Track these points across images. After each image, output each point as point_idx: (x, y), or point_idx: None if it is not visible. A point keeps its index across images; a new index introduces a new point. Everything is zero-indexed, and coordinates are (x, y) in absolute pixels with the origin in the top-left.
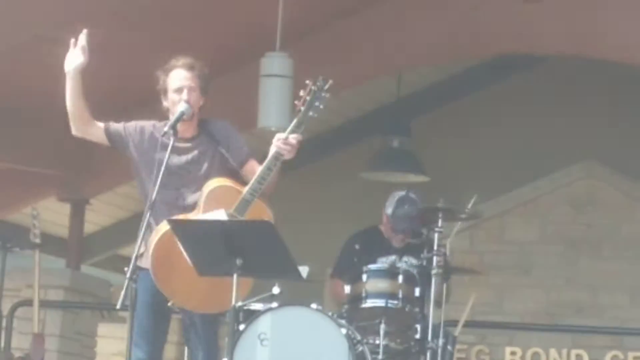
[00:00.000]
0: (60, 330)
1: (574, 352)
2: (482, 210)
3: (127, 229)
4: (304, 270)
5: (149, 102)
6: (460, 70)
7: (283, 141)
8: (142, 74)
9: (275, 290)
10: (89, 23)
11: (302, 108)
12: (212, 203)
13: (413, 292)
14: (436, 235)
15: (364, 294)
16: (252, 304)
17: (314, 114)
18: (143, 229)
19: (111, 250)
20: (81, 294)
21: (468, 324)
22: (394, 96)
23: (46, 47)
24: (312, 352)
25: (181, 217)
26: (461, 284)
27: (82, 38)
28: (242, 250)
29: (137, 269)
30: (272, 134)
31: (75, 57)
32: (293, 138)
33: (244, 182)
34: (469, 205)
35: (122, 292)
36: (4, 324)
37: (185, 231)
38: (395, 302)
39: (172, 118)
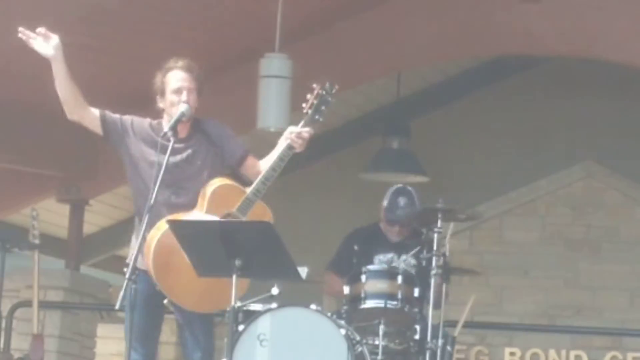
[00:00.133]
0: (60, 330)
1: (573, 352)
2: (482, 211)
3: (126, 230)
4: (303, 271)
5: (148, 103)
6: (459, 70)
7: (296, 134)
8: (141, 75)
9: (275, 291)
10: (89, 23)
11: (310, 111)
12: (216, 202)
13: (412, 292)
14: (435, 235)
15: (363, 295)
16: (252, 304)
17: (319, 118)
18: (143, 229)
19: (110, 251)
20: (80, 295)
21: (467, 325)
22: (394, 97)
23: None
24: (312, 352)
25: (181, 217)
26: (460, 284)
27: (28, 33)
28: (241, 251)
29: (136, 269)
30: (272, 135)
31: (47, 42)
32: (306, 132)
33: (240, 181)
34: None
35: (121, 293)
36: (3, 324)
37: (185, 231)
38: (395, 302)
39: (172, 119)
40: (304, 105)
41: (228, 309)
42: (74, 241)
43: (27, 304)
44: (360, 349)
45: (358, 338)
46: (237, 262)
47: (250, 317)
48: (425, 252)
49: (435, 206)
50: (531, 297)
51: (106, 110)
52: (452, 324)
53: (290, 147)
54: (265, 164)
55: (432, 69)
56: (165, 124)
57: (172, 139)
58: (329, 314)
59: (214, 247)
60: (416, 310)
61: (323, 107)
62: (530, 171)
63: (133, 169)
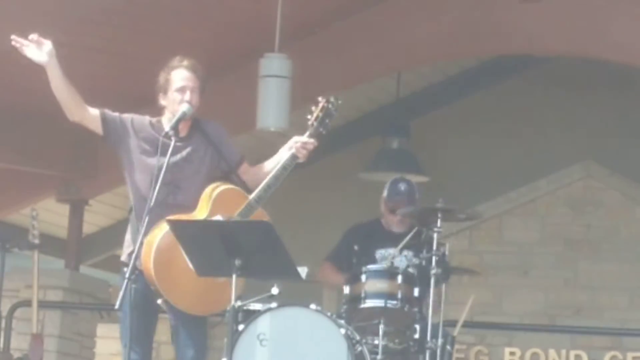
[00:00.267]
0: (59, 330)
1: (573, 352)
2: (481, 210)
3: (126, 230)
4: (303, 271)
5: (146, 103)
6: (459, 70)
7: (302, 144)
8: (141, 74)
9: (274, 290)
10: (89, 23)
11: (315, 123)
12: (219, 205)
13: (412, 292)
14: (435, 235)
15: (363, 294)
16: (251, 304)
17: (323, 131)
18: (143, 229)
19: (110, 251)
20: (80, 295)
21: (467, 325)
22: (393, 96)
23: None
24: (311, 352)
25: (183, 217)
26: (460, 284)
27: (21, 40)
28: (241, 251)
29: (135, 268)
30: (271, 135)
31: (42, 48)
32: (311, 143)
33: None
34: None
35: (121, 293)
36: (3, 324)
37: (185, 231)
38: (394, 302)
39: (174, 118)
40: (308, 117)
41: (228, 308)
42: (73, 241)
43: (27, 303)
44: (360, 348)
45: (358, 337)
46: (237, 262)
47: (250, 316)
48: (425, 251)
49: (435, 206)
50: (531, 296)
51: (105, 109)
52: (452, 323)
53: (294, 157)
54: (262, 169)
55: (432, 69)
56: (166, 122)
57: (173, 138)
58: (328, 314)
59: (214, 247)
60: (416, 309)
61: (327, 120)
62: (530, 171)
63: (132, 166)
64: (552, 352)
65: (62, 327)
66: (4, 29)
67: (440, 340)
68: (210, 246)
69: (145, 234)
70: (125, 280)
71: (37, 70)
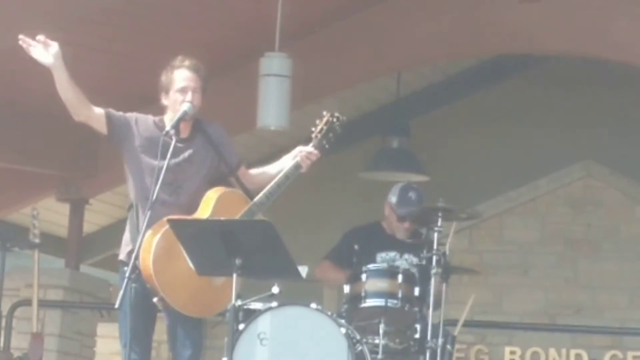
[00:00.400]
0: (60, 330)
1: (573, 352)
2: (482, 210)
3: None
4: (303, 270)
5: (147, 103)
6: (459, 70)
7: (307, 153)
8: (141, 74)
9: (275, 289)
10: (89, 22)
11: (319, 136)
12: (220, 208)
13: (412, 291)
14: (436, 234)
15: (363, 294)
16: (252, 303)
17: (326, 144)
18: (144, 228)
19: (110, 250)
20: (80, 294)
21: (467, 324)
22: (394, 96)
23: None
24: (312, 351)
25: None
26: (460, 283)
27: (28, 41)
28: (242, 250)
29: (135, 268)
30: (271, 134)
31: (48, 50)
32: (315, 155)
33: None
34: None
35: (121, 292)
36: (3, 323)
37: (185, 230)
38: (395, 301)
39: (175, 118)
40: (312, 129)
41: (228, 307)
42: (74, 240)
43: (27, 302)
44: (360, 347)
45: (358, 337)
46: (238, 261)
47: (250, 316)
48: (425, 251)
49: (435, 205)
50: (531, 296)
51: (109, 108)
52: (452, 323)
53: (297, 166)
54: (261, 174)
55: (432, 69)
56: (168, 122)
57: (174, 138)
58: (329, 313)
59: (215, 246)
60: (416, 309)
61: (331, 135)
62: (530, 170)
63: (135, 165)
64: (552, 352)
65: (63, 326)
66: (4, 29)
67: (440, 340)
68: (211, 245)
69: (145, 232)
70: (126, 280)
71: (38, 69)
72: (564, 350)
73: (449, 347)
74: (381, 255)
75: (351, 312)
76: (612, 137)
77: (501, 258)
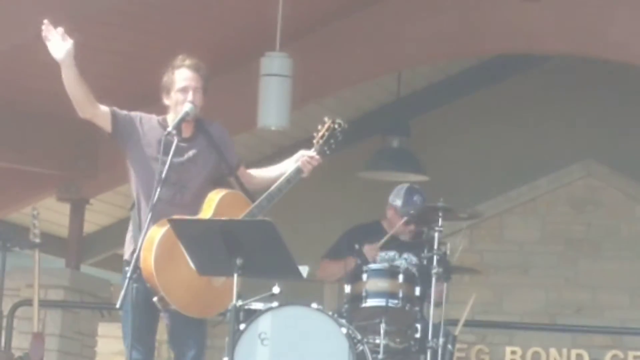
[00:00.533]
0: (60, 329)
1: (574, 351)
2: (482, 209)
3: (126, 228)
4: (304, 270)
5: (148, 103)
6: (459, 69)
7: (309, 157)
8: (142, 74)
9: (275, 289)
10: (91, 22)
11: (320, 141)
12: (222, 209)
13: (413, 291)
14: (436, 234)
15: (364, 294)
16: (253, 303)
17: (327, 150)
18: (145, 227)
19: (111, 250)
20: (81, 294)
21: (468, 324)
22: (394, 96)
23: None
24: (313, 351)
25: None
26: (461, 283)
27: (50, 29)
28: (243, 250)
29: (137, 267)
30: (272, 134)
31: (63, 44)
32: (316, 160)
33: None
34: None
35: (122, 291)
36: (4, 323)
37: (186, 230)
38: (396, 301)
39: (176, 118)
40: (314, 134)
41: (229, 307)
42: (74, 240)
43: (28, 302)
44: (361, 347)
45: (359, 337)
46: (238, 261)
47: (251, 316)
48: (426, 251)
49: (436, 205)
50: (531, 295)
51: (114, 107)
52: (453, 322)
53: (299, 171)
54: (260, 175)
55: (432, 68)
56: (171, 121)
57: (175, 138)
58: (330, 313)
59: (215, 246)
60: (417, 309)
61: (332, 141)
62: (530, 170)
63: (138, 164)
64: (553, 351)
65: (63, 326)
66: (4, 29)
67: (441, 340)
68: (212, 245)
69: (147, 232)
70: (127, 279)
71: (38, 69)
72: (564, 350)
73: (449, 346)
74: (380, 255)
75: (352, 312)
76: (612, 137)
77: (502, 258)
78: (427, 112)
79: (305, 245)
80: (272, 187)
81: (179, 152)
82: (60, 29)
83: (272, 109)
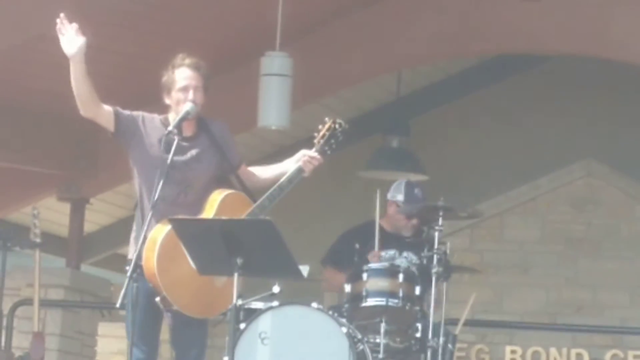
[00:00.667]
0: (61, 329)
1: (574, 351)
2: (482, 209)
3: (127, 228)
4: (304, 269)
5: (149, 102)
6: (459, 69)
7: (310, 158)
8: (142, 73)
9: (276, 289)
10: (92, 22)
11: (321, 141)
12: (224, 209)
13: (413, 290)
14: (436, 233)
15: (364, 293)
16: (253, 302)
17: (328, 150)
18: (146, 227)
19: (111, 250)
20: (81, 293)
21: (468, 323)
22: (394, 95)
23: (48, 46)
24: (313, 350)
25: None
26: (461, 282)
27: (65, 23)
28: (243, 249)
29: (138, 267)
30: (272, 133)
31: (75, 40)
32: (317, 159)
33: (232, 188)
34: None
35: (122, 291)
36: (4, 323)
37: (186, 230)
38: (396, 300)
39: (177, 117)
40: (315, 134)
41: (230, 306)
42: (74, 240)
43: (28, 302)
44: (361, 347)
45: (359, 336)
46: (239, 261)
47: (251, 315)
48: (426, 250)
49: (436, 204)
50: (532, 295)
51: (117, 106)
52: (453, 322)
53: (300, 170)
54: (260, 174)
55: (432, 68)
56: (172, 120)
57: (176, 137)
58: (330, 312)
59: (216, 246)
60: (417, 308)
61: (333, 141)
62: (530, 169)
63: (141, 164)
64: (553, 351)
65: (63, 325)
66: (5, 29)
67: (441, 339)
68: (212, 245)
69: (149, 231)
70: (127, 279)
71: (38, 69)
72: (564, 350)
73: (450, 346)
74: (380, 254)
75: (352, 311)
76: (612, 137)
77: (502, 257)
78: (427, 111)
79: (306, 245)
80: (274, 187)
81: (181, 151)
82: (75, 25)
83: (273, 108)
